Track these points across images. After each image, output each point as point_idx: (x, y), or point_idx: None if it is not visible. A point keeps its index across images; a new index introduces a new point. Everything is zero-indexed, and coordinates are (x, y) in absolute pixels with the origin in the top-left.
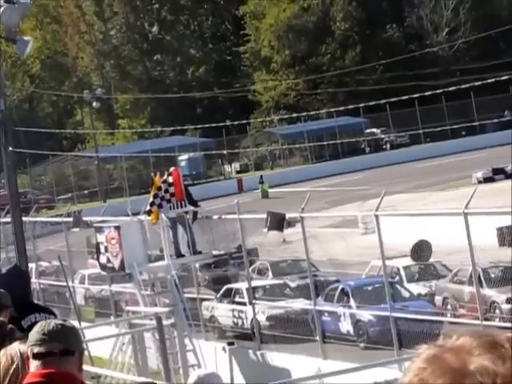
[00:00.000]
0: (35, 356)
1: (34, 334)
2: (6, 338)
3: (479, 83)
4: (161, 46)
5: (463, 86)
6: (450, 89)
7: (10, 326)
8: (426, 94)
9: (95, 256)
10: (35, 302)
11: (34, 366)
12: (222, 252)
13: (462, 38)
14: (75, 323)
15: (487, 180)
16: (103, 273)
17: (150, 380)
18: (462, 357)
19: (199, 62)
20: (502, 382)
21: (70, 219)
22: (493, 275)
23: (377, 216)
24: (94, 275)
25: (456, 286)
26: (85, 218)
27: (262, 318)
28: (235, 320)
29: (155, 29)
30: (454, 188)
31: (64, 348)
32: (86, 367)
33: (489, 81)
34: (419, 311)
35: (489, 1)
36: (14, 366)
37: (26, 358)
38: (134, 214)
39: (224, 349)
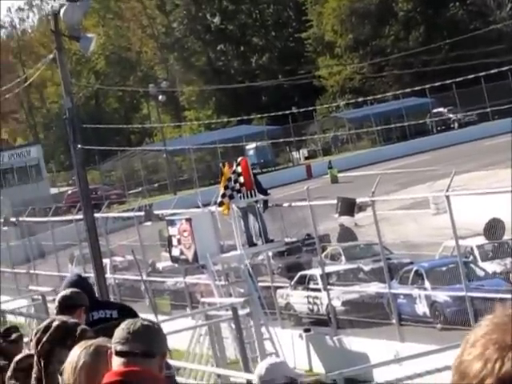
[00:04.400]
0: (117, 353)
1: (120, 332)
2: (78, 338)
3: None
4: (223, 36)
5: None
6: None
7: (82, 326)
8: (492, 71)
9: (168, 249)
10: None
11: (116, 363)
12: (294, 239)
13: None
14: (151, 316)
15: None
16: (177, 265)
17: None
18: None
19: (262, 50)
20: None
21: (142, 213)
22: None
23: (447, 196)
24: (168, 268)
25: None
26: (156, 212)
27: (337, 304)
28: (310, 306)
29: (217, 19)
30: None
31: (146, 349)
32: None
33: None
34: (495, 289)
35: None
36: (90, 360)
37: (110, 354)
38: (205, 206)
39: (301, 336)
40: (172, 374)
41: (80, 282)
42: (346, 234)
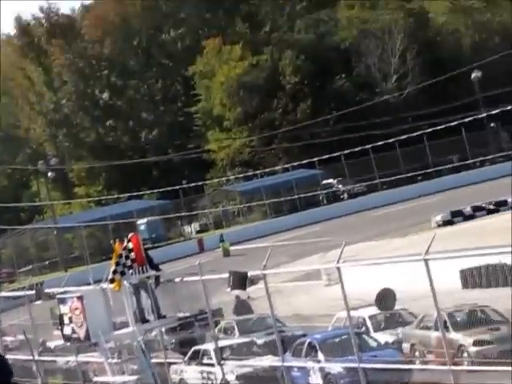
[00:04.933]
0: None
1: None
2: None
3: (430, 130)
4: (112, 111)
5: (415, 134)
6: (402, 137)
7: None
8: (378, 143)
9: (60, 327)
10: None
11: None
12: (186, 314)
13: (411, 84)
14: None
15: (446, 223)
16: (69, 344)
17: None
18: None
19: (152, 125)
20: None
21: (32, 292)
22: (458, 318)
23: (338, 268)
24: (60, 346)
25: (422, 332)
26: (47, 290)
27: (231, 378)
28: (205, 381)
29: (106, 95)
30: (414, 233)
31: None
32: None
33: (439, 127)
34: (387, 360)
35: (435, 44)
36: None
37: None
38: (96, 282)
39: None
40: None
41: None
42: (242, 307)
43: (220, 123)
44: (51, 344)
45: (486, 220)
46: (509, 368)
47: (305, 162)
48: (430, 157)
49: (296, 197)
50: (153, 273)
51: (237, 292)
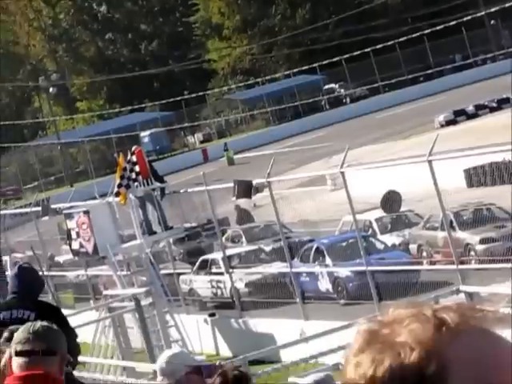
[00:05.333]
0: (18, 354)
1: (20, 334)
2: None
3: (429, 30)
4: (111, 24)
5: (415, 35)
6: (402, 39)
7: None
8: (378, 46)
9: (67, 242)
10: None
11: (16, 364)
12: (193, 225)
13: None
14: None
15: (449, 123)
16: (77, 258)
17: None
18: (395, 328)
19: (151, 36)
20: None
21: (39, 208)
22: (464, 217)
23: (343, 173)
24: (69, 261)
25: (429, 233)
26: (53, 206)
27: (240, 286)
28: (214, 290)
29: (103, 8)
30: (417, 135)
31: (46, 348)
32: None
33: (438, 27)
34: (395, 262)
35: None
36: None
37: (9, 357)
38: (102, 196)
39: (206, 320)
40: (69, 370)
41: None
42: (243, 216)
43: (219, 32)
44: (60, 258)
45: (488, 118)
46: None
47: (306, 67)
48: (431, 57)
49: (298, 103)
50: (158, 185)
51: (241, 201)
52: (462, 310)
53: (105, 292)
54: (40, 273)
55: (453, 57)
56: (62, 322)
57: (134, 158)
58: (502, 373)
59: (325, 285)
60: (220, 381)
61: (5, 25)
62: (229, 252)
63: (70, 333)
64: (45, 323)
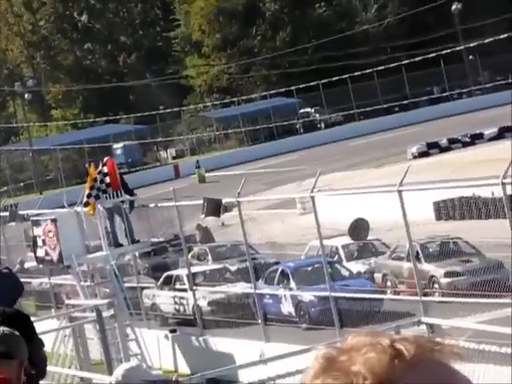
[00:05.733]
0: None
1: None
2: None
3: (407, 61)
4: (91, 34)
5: (392, 65)
6: (380, 68)
7: None
8: (356, 74)
9: (33, 249)
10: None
11: None
12: (160, 239)
13: (391, 15)
14: None
15: (422, 154)
16: (41, 266)
17: None
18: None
19: (130, 49)
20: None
21: (6, 213)
22: (431, 250)
23: (313, 197)
24: (33, 268)
25: (395, 263)
26: (21, 212)
27: (203, 304)
28: (177, 307)
29: (84, 17)
30: (389, 164)
31: (4, 351)
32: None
33: (417, 59)
34: (359, 289)
35: None
36: None
37: None
38: (71, 206)
39: (167, 336)
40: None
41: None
42: (204, 234)
43: (199, 49)
44: (26, 265)
45: (461, 152)
46: (478, 300)
47: (283, 90)
48: (407, 88)
49: (273, 125)
50: (127, 197)
51: (208, 219)
52: (419, 341)
53: (67, 301)
54: None
55: (429, 89)
56: (28, 329)
57: (106, 169)
58: None
59: (288, 308)
60: None
61: None
62: (194, 269)
63: (37, 341)
64: (5, 328)
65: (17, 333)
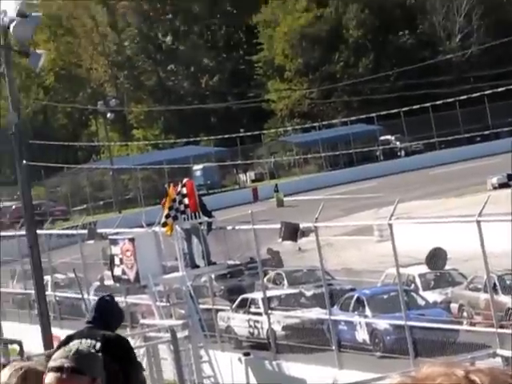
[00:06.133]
0: (49, 370)
1: (58, 351)
2: None
3: (490, 91)
4: (174, 56)
5: (475, 95)
6: (463, 97)
7: None
8: (438, 102)
9: (110, 268)
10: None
11: (46, 380)
12: (236, 262)
13: (475, 45)
14: None
15: (502, 186)
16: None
17: None
18: None
19: (213, 71)
20: None
21: (85, 231)
22: (508, 282)
23: (390, 225)
24: (112, 286)
25: (472, 294)
26: (100, 230)
27: (277, 328)
28: (251, 330)
29: (169, 39)
30: (469, 194)
31: (75, 366)
32: None
33: (500, 89)
34: (435, 319)
35: (501, 6)
36: (16, 382)
37: (42, 376)
38: (149, 225)
39: (240, 359)
40: None
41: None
42: (274, 259)
43: (281, 73)
44: (108, 282)
45: None
46: None
47: (363, 116)
48: (489, 118)
49: (353, 151)
50: (205, 219)
51: (286, 243)
52: (494, 373)
53: (142, 321)
54: (79, 296)
55: (511, 120)
56: (127, 354)
57: (185, 191)
58: None
59: (362, 335)
60: None
61: (70, 46)
62: (269, 293)
63: (136, 365)
64: (84, 345)
65: (93, 351)
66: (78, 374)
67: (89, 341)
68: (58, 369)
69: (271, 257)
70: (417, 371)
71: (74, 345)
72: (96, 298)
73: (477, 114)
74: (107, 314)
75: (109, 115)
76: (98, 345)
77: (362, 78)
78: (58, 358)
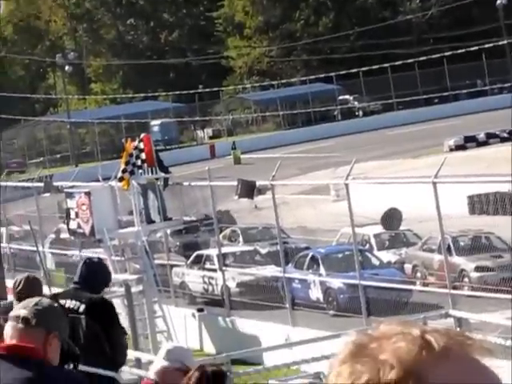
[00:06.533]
0: (11, 318)
1: (24, 302)
2: None
3: (450, 53)
4: (134, 10)
5: (434, 56)
6: (422, 58)
7: None
8: (397, 63)
9: (65, 221)
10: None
11: (6, 329)
12: (192, 218)
13: (436, 6)
14: (45, 288)
15: (459, 148)
16: (73, 238)
17: None
18: (381, 344)
19: (172, 26)
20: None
21: (41, 184)
22: (462, 243)
23: (347, 184)
24: (68, 239)
25: (426, 254)
26: (56, 183)
27: (232, 285)
28: (205, 286)
29: None
30: (425, 155)
31: (31, 317)
32: None
33: (459, 51)
34: (388, 279)
35: None
36: None
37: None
38: (105, 180)
39: (194, 315)
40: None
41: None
42: (225, 218)
43: (241, 31)
44: (64, 235)
45: (498, 147)
46: (508, 296)
47: (322, 75)
48: (448, 80)
49: (311, 110)
50: (162, 175)
51: (243, 200)
52: (450, 334)
53: None
54: (34, 248)
55: (470, 82)
56: (110, 317)
57: (142, 145)
58: None
59: (316, 293)
60: (197, 375)
61: None
62: (224, 250)
63: (118, 329)
64: (49, 302)
65: (58, 308)
66: (35, 325)
67: (74, 302)
68: (15, 318)
69: (223, 217)
70: (373, 329)
71: (40, 299)
72: (52, 251)
73: (435, 76)
74: (93, 276)
75: (67, 68)
76: (83, 307)
77: (322, 36)
78: (19, 309)
